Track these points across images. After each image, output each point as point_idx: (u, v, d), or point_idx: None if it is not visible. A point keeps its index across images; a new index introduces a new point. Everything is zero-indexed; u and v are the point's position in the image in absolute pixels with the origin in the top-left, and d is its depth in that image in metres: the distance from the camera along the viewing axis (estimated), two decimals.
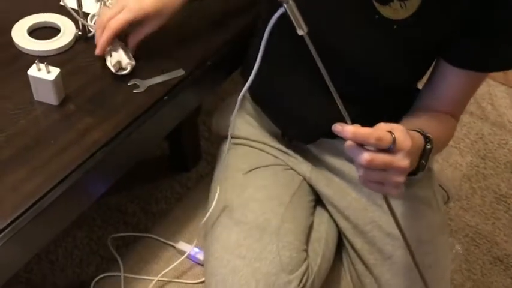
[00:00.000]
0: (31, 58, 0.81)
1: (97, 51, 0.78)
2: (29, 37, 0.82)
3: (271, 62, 0.76)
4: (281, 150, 0.94)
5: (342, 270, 0.94)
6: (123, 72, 0.79)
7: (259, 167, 0.91)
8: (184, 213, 1.02)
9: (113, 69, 0.78)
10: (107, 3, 0.86)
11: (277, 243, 0.80)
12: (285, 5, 0.55)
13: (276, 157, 0.94)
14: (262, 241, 0.80)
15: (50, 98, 0.74)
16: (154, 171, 1.57)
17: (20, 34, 0.82)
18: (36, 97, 0.75)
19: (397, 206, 0.88)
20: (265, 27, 0.59)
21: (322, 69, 0.59)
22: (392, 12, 0.70)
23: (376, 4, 0.71)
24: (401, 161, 0.61)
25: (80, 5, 0.82)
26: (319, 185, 0.93)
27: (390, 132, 0.61)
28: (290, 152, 0.94)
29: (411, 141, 0.62)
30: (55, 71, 0.72)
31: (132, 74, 0.81)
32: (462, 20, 0.71)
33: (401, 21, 0.71)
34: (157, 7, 0.78)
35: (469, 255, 1.50)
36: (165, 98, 0.80)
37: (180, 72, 0.83)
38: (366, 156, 0.60)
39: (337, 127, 0.61)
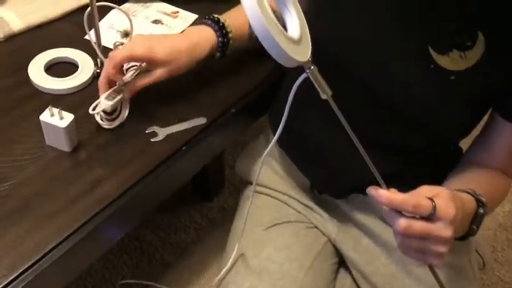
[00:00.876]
0: (47, 97, 0.77)
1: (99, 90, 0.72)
2: (45, 74, 0.78)
3: (302, 109, 0.71)
4: (306, 205, 0.88)
5: None
6: (108, 126, 0.73)
7: (280, 223, 0.85)
8: (199, 259, 0.97)
9: (98, 118, 0.72)
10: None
11: None
12: (307, 71, 0.52)
13: (300, 212, 0.87)
14: None
15: (62, 144, 0.70)
16: (175, 197, 1.53)
17: (36, 71, 0.79)
18: (48, 141, 0.71)
19: (429, 275, 0.81)
20: (291, 83, 0.55)
21: (349, 130, 0.57)
22: (450, 62, 0.65)
23: (433, 53, 0.65)
24: (443, 230, 0.57)
25: (98, 39, 0.78)
26: (345, 248, 0.86)
27: (431, 198, 0.56)
28: (316, 207, 0.87)
29: (455, 209, 0.57)
30: (68, 118, 0.68)
31: (152, 120, 0.76)
32: None
33: (459, 72, 0.65)
34: (167, 54, 0.72)
35: None
36: (184, 148, 0.74)
37: (202, 120, 0.77)
38: (402, 223, 0.56)
39: (371, 191, 0.57)
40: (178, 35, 0.77)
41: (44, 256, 0.60)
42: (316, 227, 0.87)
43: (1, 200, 0.64)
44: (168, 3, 0.97)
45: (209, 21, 0.76)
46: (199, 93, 0.81)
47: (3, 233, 0.62)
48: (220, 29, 0.76)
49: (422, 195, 0.58)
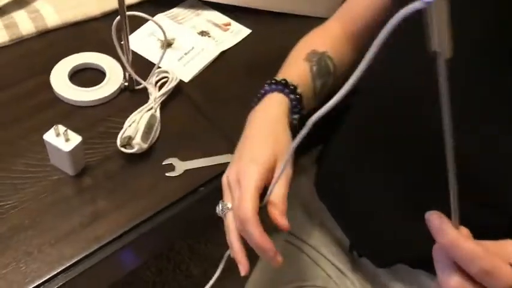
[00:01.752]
0: (66, 107, 0.69)
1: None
2: (68, 81, 0.71)
3: (351, 160, 0.62)
4: (339, 269, 0.75)
5: None
6: (126, 150, 0.64)
7: (305, 286, 0.73)
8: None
9: (118, 142, 0.64)
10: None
11: None
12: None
13: (330, 277, 0.75)
14: None
15: (66, 167, 0.62)
16: None
17: (59, 76, 0.71)
18: (52, 161, 0.63)
19: None
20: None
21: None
22: None
23: None
24: None
25: (127, 52, 0.69)
26: None
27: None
28: (350, 274, 0.75)
29: None
30: (75, 140, 0.60)
31: (173, 150, 0.67)
32: None
33: None
34: (270, 156, 0.55)
35: None
36: (201, 188, 0.65)
37: (228, 158, 0.67)
38: (453, 283, 0.38)
39: (433, 216, 0.38)
40: (253, 145, 0.57)
41: None
42: None
43: None
44: (221, 12, 0.87)
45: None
46: (229, 127, 0.71)
47: None
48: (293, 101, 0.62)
49: (504, 254, 0.39)
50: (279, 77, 0.63)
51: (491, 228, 0.50)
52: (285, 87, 0.62)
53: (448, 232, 0.37)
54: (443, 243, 0.37)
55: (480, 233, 0.43)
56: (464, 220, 0.42)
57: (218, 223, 0.57)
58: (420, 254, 0.45)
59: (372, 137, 0.63)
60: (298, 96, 0.62)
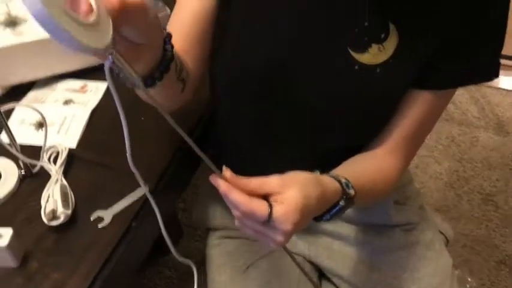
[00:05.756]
0: None
1: None
2: None
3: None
4: None
5: None
6: (55, 223, 0.70)
7: (254, 261, 0.85)
8: None
9: (45, 220, 0.70)
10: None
11: None
12: (111, 57, 0.45)
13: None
14: None
15: (8, 262, 0.66)
16: None
17: None
18: None
19: (402, 257, 0.85)
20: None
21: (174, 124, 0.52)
22: (372, 57, 0.67)
23: (354, 54, 0.67)
24: (277, 236, 0.55)
25: (11, 138, 0.74)
26: (320, 260, 0.88)
27: (270, 203, 0.54)
28: None
29: (296, 218, 0.53)
30: (7, 234, 0.65)
31: (94, 205, 0.74)
32: (441, 43, 0.67)
33: (383, 64, 0.67)
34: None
35: (473, 266, 1.47)
36: (134, 224, 0.73)
37: (144, 190, 0.76)
38: (236, 215, 0.55)
39: (212, 179, 0.55)
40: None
41: None
42: None
43: None
44: (74, 78, 0.95)
45: None
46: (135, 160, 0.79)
47: None
48: None
49: (265, 188, 0.54)
50: None
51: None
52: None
53: (219, 185, 0.54)
54: (222, 195, 0.54)
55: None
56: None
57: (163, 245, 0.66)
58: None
59: (241, 94, 0.75)
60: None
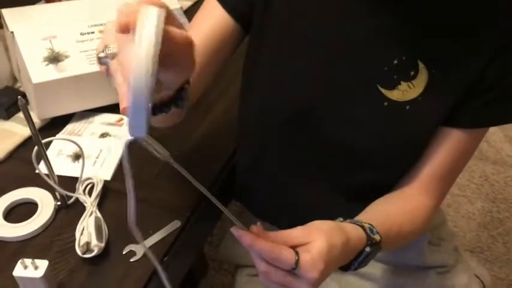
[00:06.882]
0: (13, 246, 0.74)
1: None
2: (4, 222, 0.76)
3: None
4: None
5: None
6: (89, 255, 0.71)
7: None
8: None
9: (79, 252, 0.70)
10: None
11: None
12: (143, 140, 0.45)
13: None
14: None
15: None
16: None
17: None
18: None
19: None
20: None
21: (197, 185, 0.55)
22: (402, 94, 0.67)
23: (383, 91, 0.67)
24: (302, 285, 0.54)
25: (50, 170, 0.76)
26: None
27: (297, 250, 0.53)
28: None
29: (322, 266, 0.53)
30: (43, 265, 0.65)
31: (126, 239, 0.74)
32: (471, 83, 0.66)
33: (413, 101, 0.67)
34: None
35: None
36: (166, 258, 0.73)
37: (177, 224, 0.76)
38: (262, 267, 0.54)
39: (233, 231, 0.55)
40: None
41: None
42: None
43: None
44: (109, 112, 0.97)
45: None
46: (167, 195, 0.80)
47: None
48: None
49: (292, 241, 0.54)
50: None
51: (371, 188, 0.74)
52: None
53: (243, 239, 0.53)
54: (246, 246, 0.54)
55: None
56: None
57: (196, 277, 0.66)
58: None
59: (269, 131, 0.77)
60: None
